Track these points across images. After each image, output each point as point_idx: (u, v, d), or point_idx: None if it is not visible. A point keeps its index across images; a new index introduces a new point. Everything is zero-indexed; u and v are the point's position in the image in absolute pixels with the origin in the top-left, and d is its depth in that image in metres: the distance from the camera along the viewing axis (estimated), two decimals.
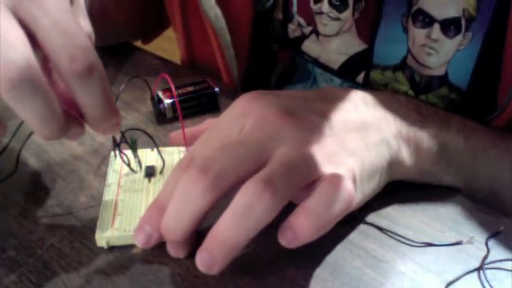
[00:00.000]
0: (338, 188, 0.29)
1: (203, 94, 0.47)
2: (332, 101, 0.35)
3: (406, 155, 0.35)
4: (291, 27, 0.51)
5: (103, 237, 0.33)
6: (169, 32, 0.66)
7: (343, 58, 0.49)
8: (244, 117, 0.33)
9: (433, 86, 0.44)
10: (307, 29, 0.50)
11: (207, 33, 0.51)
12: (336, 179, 0.30)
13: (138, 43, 0.64)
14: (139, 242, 0.32)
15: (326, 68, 0.51)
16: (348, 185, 0.30)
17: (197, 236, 0.32)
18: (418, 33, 0.43)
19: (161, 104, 0.45)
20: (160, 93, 0.46)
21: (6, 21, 0.27)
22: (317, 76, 0.53)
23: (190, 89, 0.47)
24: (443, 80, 0.44)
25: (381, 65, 0.47)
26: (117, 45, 0.60)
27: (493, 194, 0.39)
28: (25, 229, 0.35)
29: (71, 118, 0.31)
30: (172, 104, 0.45)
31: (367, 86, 0.49)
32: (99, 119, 0.31)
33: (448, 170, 0.37)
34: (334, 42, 0.49)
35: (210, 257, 0.28)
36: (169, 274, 0.32)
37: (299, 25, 0.51)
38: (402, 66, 0.46)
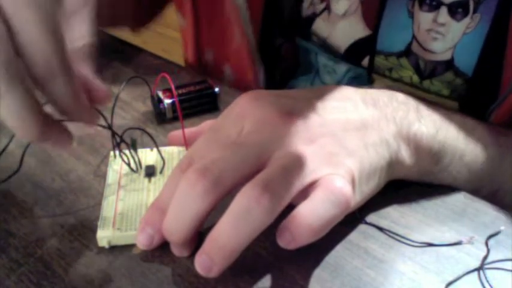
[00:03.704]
0: (335, 192, 0.29)
1: (203, 94, 0.47)
2: (331, 100, 0.35)
3: (406, 154, 0.35)
4: (306, 3, 0.51)
5: (104, 237, 0.33)
6: (170, 32, 0.66)
7: (349, 41, 0.49)
8: (243, 118, 0.33)
9: (438, 71, 0.44)
10: (320, 7, 0.50)
11: (216, 15, 0.50)
12: (334, 182, 0.30)
13: (138, 43, 0.64)
14: (142, 244, 0.32)
15: (333, 51, 0.51)
16: (345, 189, 0.30)
17: (200, 234, 0.32)
18: (424, 18, 0.43)
19: (161, 104, 0.45)
20: (160, 93, 0.46)
21: None
22: (320, 68, 0.53)
23: (190, 89, 0.47)
24: (448, 65, 0.43)
25: (385, 52, 0.47)
26: (117, 45, 0.60)
27: (493, 193, 0.39)
28: (25, 229, 0.35)
29: (55, 123, 0.30)
30: (172, 104, 0.45)
31: (372, 70, 0.49)
32: (70, 114, 0.30)
33: (448, 169, 0.37)
34: (341, 23, 0.48)
35: (209, 260, 0.29)
36: (169, 274, 0.32)
37: (312, 4, 0.50)
38: (406, 53, 0.45)
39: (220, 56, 0.56)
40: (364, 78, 0.51)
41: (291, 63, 0.55)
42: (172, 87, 0.42)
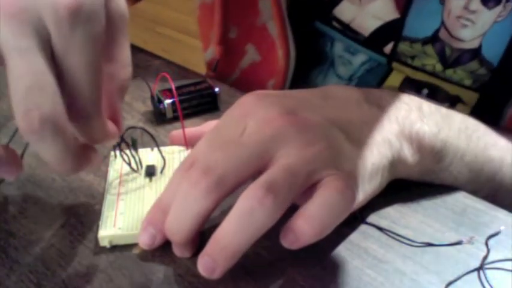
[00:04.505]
0: (338, 192, 0.29)
1: (203, 94, 0.47)
2: (334, 100, 0.35)
3: (408, 153, 0.35)
4: None
5: (106, 237, 0.33)
6: (170, 32, 0.66)
7: (376, 24, 0.48)
8: (246, 118, 0.33)
9: (463, 60, 0.44)
10: None
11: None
12: (337, 182, 0.30)
13: (138, 43, 0.64)
14: (144, 243, 0.32)
15: (355, 36, 0.50)
16: (348, 188, 0.30)
17: (202, 235, 0.32)
18: (456, 4, 0.43)
19: (161, 104, 0.45)
20: (160, 93, 0.46)
21: (43, 62, 0.27)
22: (335, 59, 0.53)
23: (190, 89, 0.47)
24: (475, 53, 0.43)
25: (411, 38, 0.47)
26: None
27: (493, 193, 0.39)
28: (25, 229, 0.35)
29: (88, 152, 0.31)
30: (172, 104, 0.45)
31: (394, 57, 0.49)
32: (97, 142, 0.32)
33: (450, 168, 0.37)
34: (371, 5, 0.48)
35: (212, 262, 0.29)
36: (169, 274, 0.32)
37: None
38: (433, 39, 0.45)
39: (243, 34, 0.56)
40: (382, 69, 0.51)
41: (305, 52, 0.55)
42: (173, 87, 0.42)
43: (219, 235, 0.29)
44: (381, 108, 0.36)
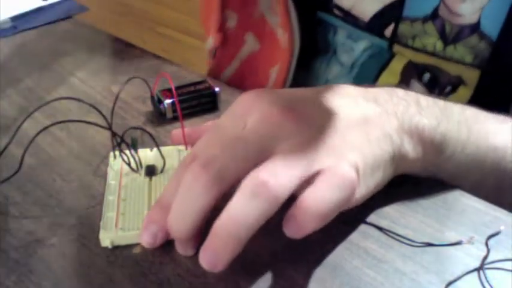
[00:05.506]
0: (340, 176, 0.29)
1: (203, 94, 0.47)
2: (332, 97, 0.35)
3: (409, 147, 0.35)
4: None
5: (107, 237, 0.33)
6: (170, 32, 0.66)
7: (377, 7, 0.49)
8: (246, 115, 0.33)
9: (463, 35, 0.45)
10: None
11: None
12: (338, 168, 0.30)
13: (138, 43, 0.64)
14: (145, 242, 0.32)
15: (356, 22, 0.51)
16: (349, 173, 0.30)
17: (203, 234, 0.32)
18: None
19: (161, 104, 0.46)
20: (160, 93, 0.46)
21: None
22: (337, 47, 0.53)
23: (190, 89, 0.47)
24: (474, 28, 0.44)
25: (411, 17, 0.47)
26: (118, 45, 0.60)
27: (497, 186, 0.39)
28: (25, 229, 0.35)
29: None
30: (172, 104, 0.45)
31: (394, 39, 0.49)
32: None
33: (451, 160, 0.37)
34: None
35: (213, 255, 0.29)
36: (170, 274, 0.32)
37: None
38: (433, 16, 0.46)
39: (242, 23, 0.56)
40: (384, 54, 0.51)
41: (308, 41, 0.56)
42: (173, 87, 0.42)
43: (219, 226, 0.29)
44: (379, 104, 0.36)
